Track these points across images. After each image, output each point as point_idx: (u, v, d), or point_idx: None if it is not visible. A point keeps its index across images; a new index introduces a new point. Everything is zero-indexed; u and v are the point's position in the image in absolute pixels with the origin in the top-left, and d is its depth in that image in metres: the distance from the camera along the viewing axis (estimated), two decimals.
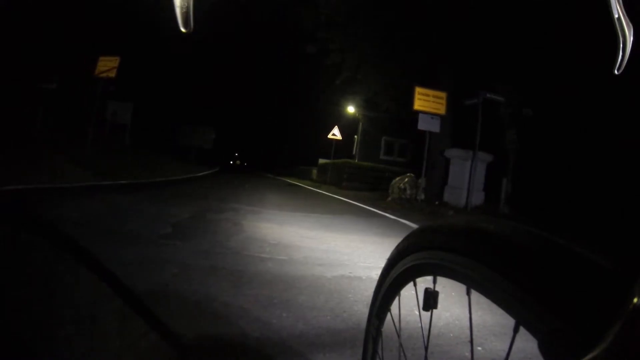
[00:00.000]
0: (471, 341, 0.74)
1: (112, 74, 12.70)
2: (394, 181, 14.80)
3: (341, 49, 17.09)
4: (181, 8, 0.68)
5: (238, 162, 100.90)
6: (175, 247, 3.84)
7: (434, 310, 0.79)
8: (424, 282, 0.80)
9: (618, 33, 0.66)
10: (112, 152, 13.71)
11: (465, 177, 12.78)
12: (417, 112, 12.65)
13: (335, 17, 16.19)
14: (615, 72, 0.70)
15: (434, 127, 12.79)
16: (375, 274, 3.65)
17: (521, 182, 12.38)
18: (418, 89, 12.68)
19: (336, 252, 4.51)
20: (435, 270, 0.71)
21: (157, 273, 2.98)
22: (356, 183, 20.27)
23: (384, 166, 21.89)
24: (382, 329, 0.94)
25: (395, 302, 0.87)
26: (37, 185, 6.41)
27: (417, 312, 0.76)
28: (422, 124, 12.70)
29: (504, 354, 0.54)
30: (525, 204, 11.76)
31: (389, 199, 14.17)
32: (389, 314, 0.91)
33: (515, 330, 0.50)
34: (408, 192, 13.96)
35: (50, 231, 0.88)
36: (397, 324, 0.87)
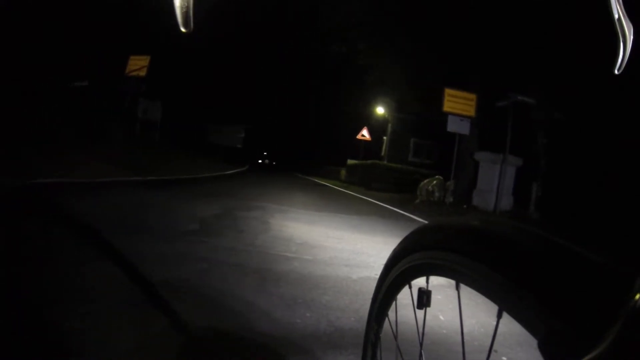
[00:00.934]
0: (462, 338, 0.75)
1: (143, 73, 12.93)
2: (422, 183, 14.70)
3: (371, 48, 17.07)
4: (181, 8, 0.68)
5: (267, 161, 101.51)
6: (202, 244, 3.87)
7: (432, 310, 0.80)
8: (425, 284, 0.82)
9: (618, 33, 0.67)
10: (141, 149, 13.93)
11: (495, 180, 12.61)
12: (447, 114, 12.55)
13: (365, 17, 16.18)
14: (616, 72, 0.70)
15: (464, 129, 12.68)
16: None
17: (552, 187, 12.14)
18: (448, 91, 12.60)
19: (362, 254, 4.49)
20: (429, 270, 0.72)
21: (182, 268, 3.00)
22: (384, 184, 20.18)
23: (413, 168, 21.74)
24: (381, 334, 0.94)
25: (393, 306, 0.89)
26: (67, 179, 6.56)
27: (420, 315, 0.79)
28: (452, 126, 12.60)
29: None
30: (555, 208, 11.53)
31: (417, 201, 14.07)
32: (387, 319, 0.92)
33: (499, 316, 0.53)
34: (436, 194, 13.84)
35: (77, 224, 0.89)
36: (394, 328, 0.89)
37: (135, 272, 0.91)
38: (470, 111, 12.73)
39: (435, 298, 0.83)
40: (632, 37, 0.67)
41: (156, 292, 0.96)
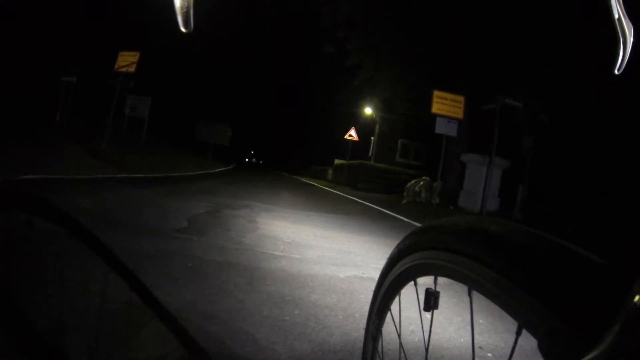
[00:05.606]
0: (472, 342, 0.74)
1: (132, 69, 12.78)
2: (409, 184, 14.77)
3: (360, 49, 17.10)
4: (182, 8, 0.68)
5: (254, 159, 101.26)
6: (190, 242, 3.87)
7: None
8: (428, 282, 0.80)
9: (618, 33, 0.66)
10: (129, 146, 13.84)
11: (481, 182, 12.71)
12: (435, 115, 12.62)
13: (355, 18, 16.20)
14: (616, 72, 0.70)
15: (451, 131, 12.75)
16: None
17: (537, 189, 12.26)
18: (436, 92, 12.65)
19: (349, 253, 4.52)
20: (436, 271, 0.70)
21: (171, 266, 3.01)
22: (371, 184, 20.20)
23: (400, 169, 21.80)
24: (383, 328, 0.93)
25: (396, 300, 0.87)
26: (56, 175, 6.51)
27: (421, 312, 0.77)
28: (440, 128, 12.66)
29: None
30: (540, 210, 11.65)
31: (404, 201, 14.14)
32: (389, 313, 0.91)
33: (518, 333, 0.50)
34: (423, 195, 13.92)
35: (66, 220, 0.89)
36: (397, 323, 0.87)
37: (125, 269, 0.91)
38: (459, 113, 12.80)
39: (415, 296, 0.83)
40: (632, 37, 0.66)
41: (147, 289, 0.96)
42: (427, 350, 0.83)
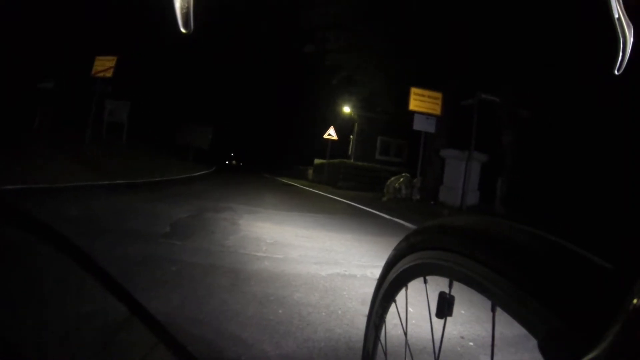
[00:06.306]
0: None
1: (109, 74, 12.68)
2: (389, 181, 14.90)
3: (338, 49, 17.11)
4: (181, 9, 0.69)
5: (234, 162, 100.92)
6: (174, 246, 3.89)
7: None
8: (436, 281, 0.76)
9: (618, 33, 0.66)
10: (109, 151, 13.71)
11: (460, 177, 12.87)
12: (413, 112, 12.72)
13: (333, 18, 16.21)
14: (616, 72, 0.70)
15: (429, 127, 12.88)
16: (370, 272, 3.73)
17: (517, 182, 12.43)
18: (414, 90, 12.76)
19: (331, 251, 4.58)
20: (437, 271, 0.68)
21: (156, 271, 3.03)
22: (352, 183, 20.32)
23: (380, 166, 21.96)
24: (385, 318, 0.90)
25: (402, 293, 0.84)
26: (36, 184, 6.45)
27: (431, 317, 0.74)
28: (418, 124, 12.79)
29: None
30: (520, 203, 11.82)
31: (385, 198, 14.26)
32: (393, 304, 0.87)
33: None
34: (403, 192, 14.06)
35: (49, 229, 0.91)
36: (402, 317, 0.86)
37: (110, 275, 0.93)
38: (437, 109, 12.94)
39: (401, 292, 0.81)
40: (632, 37, 0.66)
41: (132, 294, 0.97)
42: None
